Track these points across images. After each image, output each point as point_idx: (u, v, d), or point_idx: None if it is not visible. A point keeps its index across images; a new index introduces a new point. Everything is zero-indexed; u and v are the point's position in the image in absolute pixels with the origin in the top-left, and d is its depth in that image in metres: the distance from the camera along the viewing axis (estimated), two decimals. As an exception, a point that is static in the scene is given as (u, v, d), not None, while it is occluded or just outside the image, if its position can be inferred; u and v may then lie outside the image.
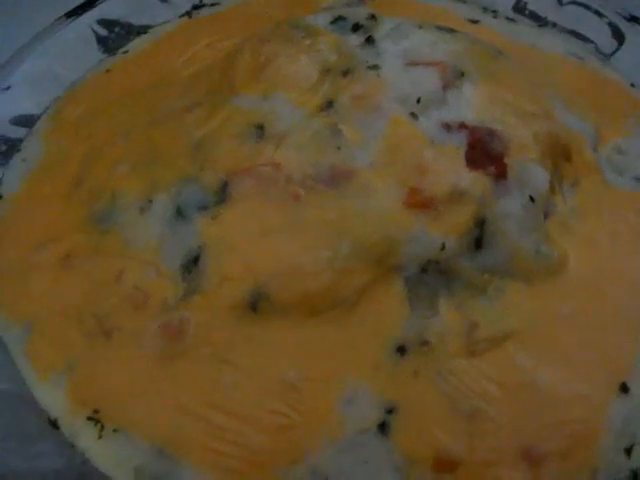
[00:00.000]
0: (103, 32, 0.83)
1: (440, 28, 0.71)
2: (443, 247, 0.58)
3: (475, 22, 0.84)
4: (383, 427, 0.54)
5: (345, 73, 0.65)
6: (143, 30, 0.85)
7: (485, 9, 0.87)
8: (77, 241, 0.64)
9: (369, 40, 0.68)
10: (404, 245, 0.57)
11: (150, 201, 0.62)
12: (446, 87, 0.64)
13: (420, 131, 0.61)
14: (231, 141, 0.62)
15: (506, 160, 0.62)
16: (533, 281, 0.61)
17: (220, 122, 0.64)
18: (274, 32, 0.69)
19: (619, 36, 0.82)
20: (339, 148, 0.60)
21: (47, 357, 0.60)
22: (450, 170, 0.60)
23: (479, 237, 0.59)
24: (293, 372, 0.55)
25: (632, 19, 0.81)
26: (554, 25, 0.86)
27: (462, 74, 0.66)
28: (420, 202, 0.58)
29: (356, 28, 0.70)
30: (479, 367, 0.57)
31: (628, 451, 0.55)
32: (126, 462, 0.55)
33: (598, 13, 0.84)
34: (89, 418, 0.57)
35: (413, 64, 0.65)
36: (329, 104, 0.63)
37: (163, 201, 0.62)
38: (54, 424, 0.57)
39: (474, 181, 0.60)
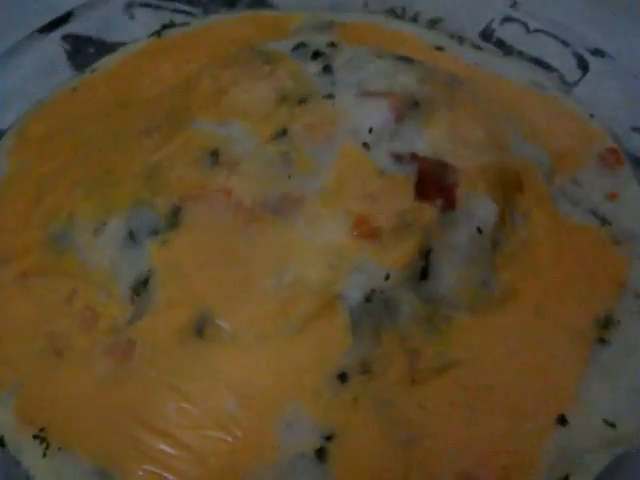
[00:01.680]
0: (73, 49, 0.84)
1: (399, 58, 0.72)
2: (387, 277, 0.59)
3: (440, 49, 0.85)
4: (321, 453, 0.55)
5: (301, 101, 0.66)
6: (114, 47, 0.86)
7: (452, 36, 0.88)
8: (34, 260, 0.65)
9: (326, 69, 0.69)
10: (349, 274, 0.58)
11: (104, 224, 0.63)
12: (399, 118, 0.65)
13: (371, 161, 0.62)
14: (185, 166, 0.63)
15: (455, 192, 0.63)
16: (478, 312, 0.62)
17: (176, 147, 0.65)
18: (235, 58, 0.70)
19: (583, 66, 0.83)
20: (290, 177, 0.61)
21: (-1, 374, 0.61)
22: (398, 201, 0.61)
23: (424, 268, 0.60)
24: (233, 398, 0.56)
25: (596, 51, 0.82)
26: (520, 53, 0.87)
27: (416, 104, 0.67)
28: (366, 232, 0.59)
29: (316, 56, 0.71)
30: (418, 397, 0.57)
31: (563, 482, 0.56)
32: (68, 481, 0.56)
33: (564, 42, 0.85)
34: (35, 436, 0.58)
35: (367, 94, 0.66)
36: (283, 132, 0.64)
37: (116, 224, 0.63)
38: (0, 441, 0.58)
39: (421, 212, 0.61)
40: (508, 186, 0.67)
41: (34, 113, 0.79)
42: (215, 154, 0.63)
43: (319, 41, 0.71)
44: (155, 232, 0.61)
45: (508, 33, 0.88)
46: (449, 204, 0.62)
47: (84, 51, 0.85)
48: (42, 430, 0.58)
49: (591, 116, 0.80)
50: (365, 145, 0.63)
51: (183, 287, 0.59)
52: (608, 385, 0.60)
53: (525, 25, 0.87)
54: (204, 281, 0.59)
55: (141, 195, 0.63)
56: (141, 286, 0.60)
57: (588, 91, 0.82)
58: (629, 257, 0.67)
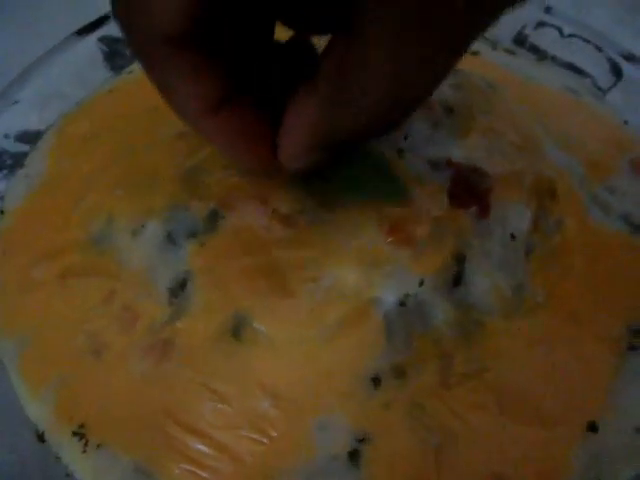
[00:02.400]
0: (110, 50, 0.85)
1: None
2: (422, 283, 0.59)
3: (475, 54, 0.85)
4: (354, 455, 0.56)
5: (336, 108, 0.66)
6: (150, 49, 0.87)
7: (485, 40, 0.88)
8: (74, 260, 0.67)
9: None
10: (383, 280, 0.59)
11: (143, 226, 0.64)
12: (434, 124, 0.66)
13: (405, 167, 0.63)
14: (222, 170, 0.64)
15: (489, 199, 0.63)
16: (510, 318, 0.62)
17: (213, 150, 0.66)
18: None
19: (617, 72, 0.83)
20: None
21: (39, 372, 0.63)
22: (433, 207, 0.61)
23: (458, 274, 0.61)
24: (269, 399, 0.57)
25: (630, 57, 0.82)
26: (553, 58, 0.87)
27: (451, 110, 0.67)
28: (401, 238, 0.60)
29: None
30: (451, 401, 0.58)
31: (592, 490, 0.57)
32: (106, 477, 0.57)
33: (598, 48, 0.85)
34: (74, 433, 0.59)
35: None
36: (318, 138, 0.65)
37: (155, 226, 0.64)
38: (41, 437, 0.60)
39: (455, 219, 0.61)
40: (541, 193, 0.67)
41: (73, 114, 0.81)
42: (252, 159, 0.64)
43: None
44: (193, 235, 0.62)
45: (542, 38, 0.88)
46: (483, 210, 0.63)
47: (121, 53, 0.86)
48: (81, 427, 0.59)
49: (625, 122, 0.80)
50: (400, 151, 0.64)
51: (220, 290, 0.60)
52: (640, 393, 0.61)
53: (559, 30, 0.87)
54: (241, 284, 0.60)
55: (179, 198, 0.64)
56: (179, 288, 0.61)
57: (621, 97, 0.82)
58: (662, 264, 0.67)
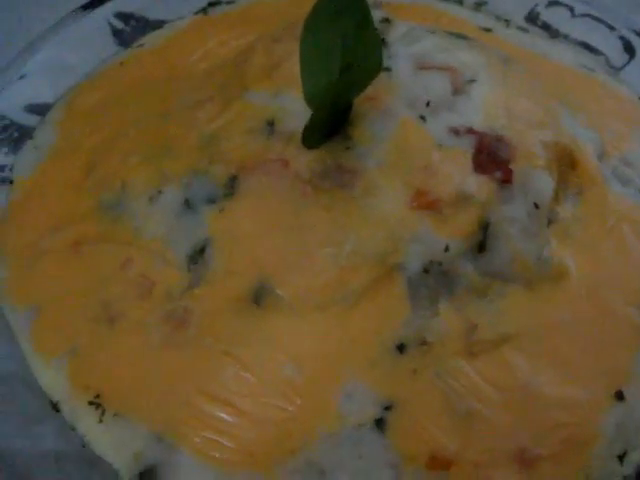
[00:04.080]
0: (119, 25, 0.84)
1: (452, 34, 0.71)
2: (447, 249, 0.58)
3: (488, 30, 0.85)
4: (380, 423, 0.55)
5: (357, 73, 0.65)
6: (158, 25, 0.86)
7: (498, 18, 0.88)
8: (86, 228, 0.65)
9: (382, 43, 0.68)
10: (408, 245, 0.58)
11: (160, 192, 0.63)
12: (456, 92, 0.65)
13: (428, 134, 0.62)
14: (242, 136, 0.63)
15: (512, 166, 0.62)
16: (534, 286, 0.61)
17: (232, 117, 0.65)
18: (287, 32, 0.70)
19: (630, 50, 0.83)
20: (348, 148, 0.61)
21: (51, 341, 0.61)
22: (457, 173, 0.60)
23: (482, 240, 0.60)
24: (293, 366, 0.56)
25: (644, 35, 0.82)
26: (565, 37, 0.86)
27: (472, 80, 0.67)
28: (426, 203, 0.59)
29: (371, 30, 0.70)
30: (477, 368, 0.57)
31: (621, 458, 0.56)
32: (125, 447, 0.56)
33: (610, 26, 0.84)
34: (90, 402, 0.58)
35: (424, 68, 0.66)
36: (340, 103, 0.64)
37: (172, 192, 0.63)
38: (55, 407, 0.58)
39: (480, 185, 0.60)
40: (562, 163, 0.67)
41: (82, 86, 0.79)
42: (271, 124, 0.63)
43: (373, 16, 0.70)
44: (212, 201, 0.61)
45: (554, 17, 0.88)
46: (506, 178, 0.62)
47: (129, 28, 0.85)
48: (97, 396, 0.58)
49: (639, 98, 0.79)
50: (422, 118, 0.63)
51: (241, 256, 0.59)
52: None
53: (571, 9, 0.87)
54: (262, 250, 0.59)
55: (198, 164, 0.63)
56: (198, 254, 0.60)
57: (636, 74, 0.81)
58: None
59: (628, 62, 0.83)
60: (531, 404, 0.56)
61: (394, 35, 0.70)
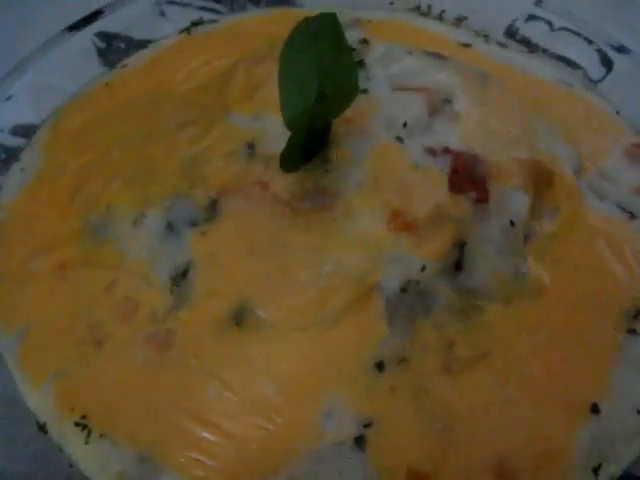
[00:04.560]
0: (103, 45, 0.85)
1: (430, 54, 0.73)
2: (423, 268, 0.59)
3: (467, 46, 0.86)
4: (359, 441, 0.56)
5: (335, 96, 0.67)
6: (143, 44, 0.87)
7: (477, 33, 0.89)
8: (72, 251, 0.66)
9: (360, 64, 0.70)
10: (386, 265, 0.59)
11: (143, 215, 0.64)
12: (432, 112, 0.66)
13: (405, 155, 0.63)
14: (222, 159, 0.64)
15: (488, 185, 0.64)
16: (510, 303, 0.62)
17: (213, 140, 0.66)
18: (268, 53, 0.71)
19: (608, 63, 0.84)
20: (327, 170, 0.62)
21: (38, 363, 0.62)
22: (433, 194, 0.62)
23: (459, 259, 0.61)
24: (273, 386, 0.57)
25: (621, 49, 0.83)
26: (544, 51, 0.88)
27: (448, 100, 0.68)
28: (402, 224, 0.60)
29: (349, 52, 0.71)
30: (454, 386, 0.58)
31: (595, 471, 0.57)
32: (110, 467, 0.57)
33: (588, 40, 0.86)
34: (77, 423, 0.59)
35: (401, 89, 0.67)
36: (318, 127, 0.65)
37: (155, 215, 0.64)
38: (42, 428, 0.59)
39: (455, 205, 0.62)
40: (538, 180, 0.68)
41: (68, 108, 0.80)
42: (251, 147, 0.64)
43: (351, 38, 0.71)
44: (194, 224, 0.62)
45: (532, 31, 0.89)
46: (482, 197, 0.63)
47: (114, 48, 0.86)
48: (83, 417, 0.59)
49: (617, 113, 0.80)
50: (399, 139, 0.64)
51: (222, 278, 0.60)
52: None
53: (549, 23, 0.88)
54: (243, 272, 0.60)
55: (179, 187, 0.64)
56: (180, 277, 0.61)
57: (613, 88, 0.83)
58: (658, 250, 0.68)
59: (605, 75, 0.84)
60: (506, 420, 0.58)
61: (372, 56, 0.71)
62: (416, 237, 0.60)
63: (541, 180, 0.68)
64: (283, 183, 0.61)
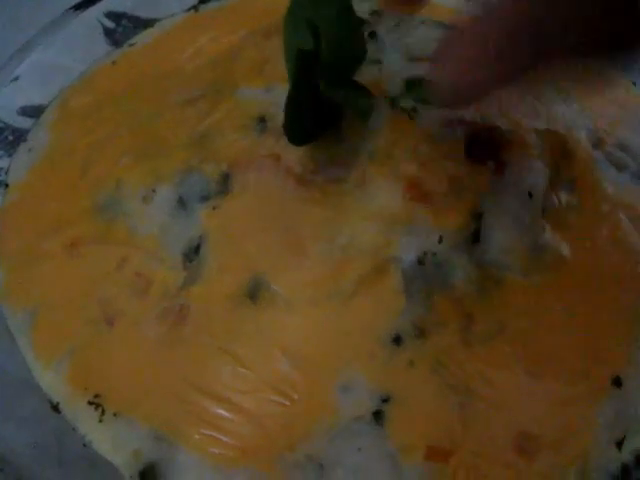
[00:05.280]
0: (110, 25, 0.84)
1: (442, 25, 0.71)
2: (441, 240, 0.58)
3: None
4: (378, 416, 0.55)
5: (348, 67, 0.65)
6: (150, 23, 0.86)
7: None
8: (82, 229, 0.65)
9: (372, 35, 0.68)
10: (402, 237, 0.58)
11: (153, 190, 0.63)
12: (447, 82, 0.65)
13: (420, 125, 0.62)
14: (233, 133, 0.63)
15: (505, 155, 0.62)
16: (529, 276, 0.61)
17: (222, 114, 0.65)
18: (277, 27, 0.69)
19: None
20: (339, 141, 0.61)
21: (50, 342, 0.61)
22: (449, 164, 0.60)
23: (476, 231, 0.60)
24: (289, 361, 0.56)
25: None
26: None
27: (463, 70, 0.66)
28: (419, 195, 0.59)
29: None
30: (473, 360, 0.57)
31: (619, 444, 0.56)
32: (125, 445, 0.56)
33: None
34: (90, 402, 0.58)
35: (415, 59, 0.66)
36: (332, 97, 0.64)
37: (166, 191, 0.63)
38: (55, 408, 0.58)
39: (472, 175, 0.60)
40: (556, 151, 0.67)
41: (75, 87, 0.79)
42: (262, 120, 0.63)
43: (362, 9, 0.70)
44: (205, 198, 0.61)
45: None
46: (500, 167, 0.62)
47: (120, 27, 0.85)
48: (97, 396, 0.58)
49: (633, 84, 0.79)
50: (413, 109, 0.63)
51: (235, 252, 0.59)
52: (663, 349, 0.60)
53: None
54: (256, 246, 0.59)
55: (190, 162, 0.63)
56: (193, 252, 0.60)
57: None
58: (679, 221, 0.67)
59: (621, 47, 0.82)
60: (527, 393, 0.56)
61: (384, 27, 0.70)
62: (433, 208, 0.59)
63: (559, 151, 0.67)
64: (295, 155, 0.60)
